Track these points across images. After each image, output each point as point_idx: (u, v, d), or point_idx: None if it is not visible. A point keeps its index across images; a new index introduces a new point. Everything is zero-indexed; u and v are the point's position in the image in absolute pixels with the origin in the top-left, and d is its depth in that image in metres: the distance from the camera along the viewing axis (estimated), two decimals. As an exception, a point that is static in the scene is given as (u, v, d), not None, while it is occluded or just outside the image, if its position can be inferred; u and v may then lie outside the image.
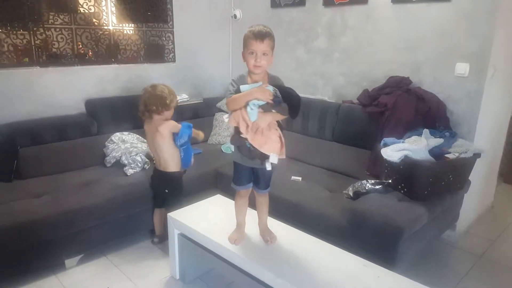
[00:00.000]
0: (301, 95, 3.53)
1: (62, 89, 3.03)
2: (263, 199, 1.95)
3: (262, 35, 1.65)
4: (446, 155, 2.25)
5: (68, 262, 2.40)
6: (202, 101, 3.77)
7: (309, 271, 1.75)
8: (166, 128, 2.44)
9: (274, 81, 1.75)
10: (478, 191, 2.93)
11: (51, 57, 2.96)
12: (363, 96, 2.85)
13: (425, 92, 2.61)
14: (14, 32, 2.75)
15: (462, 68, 2.54)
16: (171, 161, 2.50)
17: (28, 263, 2.22)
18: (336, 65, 3.28)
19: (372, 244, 2.08)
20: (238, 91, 1.71)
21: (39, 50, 2.89)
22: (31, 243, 2.19)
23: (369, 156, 2.71)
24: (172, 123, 2.47)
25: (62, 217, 2.26)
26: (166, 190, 2.53)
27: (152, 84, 2.52)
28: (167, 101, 2.44)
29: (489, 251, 2.74)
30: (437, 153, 2.26)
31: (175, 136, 2.50)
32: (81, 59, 3.12)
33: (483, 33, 2.46)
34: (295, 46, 3.56)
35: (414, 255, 2.26)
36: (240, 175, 1.88)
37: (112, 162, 2.88)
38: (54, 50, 2.96)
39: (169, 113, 2.49)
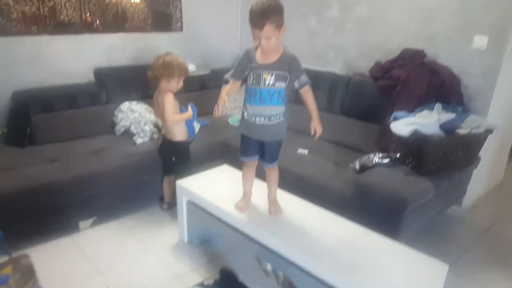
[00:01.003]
0: (311, 67, 3.50)
1: (71, 58, 3.03)
2: (270, 173, 1.97)
3: (261, 22, 1.56)
4: (457, 131, 2.22)
5: (81, 224, 2.49)
6: (209, 72, 3.73)
7: (312, 237, 1.79)
8: (164, 102, 2.38)
9: (284, 61, 1.70)
10: (488, 168, 2.91)
11: (59, 25, 2.93)
12: (375, 69, 2.80)
13: (439, 66, 2.54)
14: (23, -1, 2.72)
15: (480, 41, 2.46)
16: (177, 131, 2.51)
17: (43, 225, 2.32)
18: (348, 36, 3.20)
19: (377, 216, 2.09)
20: (236, 75, 1.81)
21: (47, 18, 2.86)
22: (45, 206, 2.27)
23: (378, 130, 2.69)
24: (168, 101, 2.38)
25: (74, 182, 2.33)
26: (173, 158, 2.56)
27: (167, 52, 2.49)
28: (155, 72, 2.38)
29: (494, 227, 2.75)
30: (448, 128, 2.22)
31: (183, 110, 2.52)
32: (89, 27, 3.09)
33: (503, 4, 2.36)
34: (307, 16, 3.47)
35: (418, 228, 2.28)
36: (246, 146, 1.90)
37: (122, 131, 2.92)
38: (62, 18, 2.93)
39: (171, 83, 2.40)
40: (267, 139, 1.85)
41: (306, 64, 3.35)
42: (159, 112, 2.48)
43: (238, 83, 1.84)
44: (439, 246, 2.44)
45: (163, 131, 2.63)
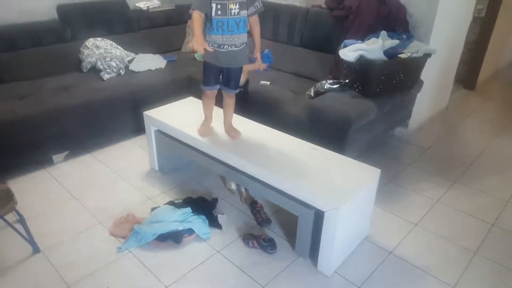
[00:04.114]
0: (272, 0, 3.52)
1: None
2: (230, 100, 2.12)
3: None
4: (399, 55, 2.43)
5: (55, 157, 2.65)
6: (174, 7, 3.73)
7: (267, 153, 2.04)
8: None
9: None
10: (432, 92, 3.19)
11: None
12: (330, 0, 2.91)
13: (387, -5, 2.69)
14: None
15: (423, -31, 2.60)
16: None
17: (18, 159, 2.46)
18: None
19: (327, 134, 2.34)
20: (201, 5, 1.76)
21: None
22: (18, 140, 2.40)
23: (333, 59, 2.87)
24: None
25: (44, 116, 2.46)
26: None
27: None
28: None
29: (435, 146, 3.09)
30: (392, 54, 2.43)
31: None
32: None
33: None
34: None
35: (365, 146, 2.57)
36: (209, 76, 2.00)
37: (88, 67, 2.99)
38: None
39: None
40: (234, 65, 1.97)
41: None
42: None
43: (203, 15, 1.82)
44: (384, 162, 2.77)
45: None
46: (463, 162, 2.86)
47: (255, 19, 1.92)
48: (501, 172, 2.75)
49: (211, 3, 1.77)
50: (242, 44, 1.91)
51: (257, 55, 2.01)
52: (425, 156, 2.94)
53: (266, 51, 2.45)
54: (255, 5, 1.86)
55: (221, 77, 2.04)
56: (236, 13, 1.80)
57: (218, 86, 2.06)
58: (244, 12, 1.83)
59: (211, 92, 2.08)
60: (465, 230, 2.16)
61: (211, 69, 1.98)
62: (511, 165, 2.84)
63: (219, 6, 1.77)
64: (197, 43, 1.76)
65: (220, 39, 1.85)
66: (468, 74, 4.13)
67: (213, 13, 1.78)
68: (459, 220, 2.24)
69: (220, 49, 1.88)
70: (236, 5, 1.79)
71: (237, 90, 2.09)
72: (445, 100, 3.65)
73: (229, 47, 1.88)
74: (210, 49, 1.82)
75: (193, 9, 1.79)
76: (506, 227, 2.20)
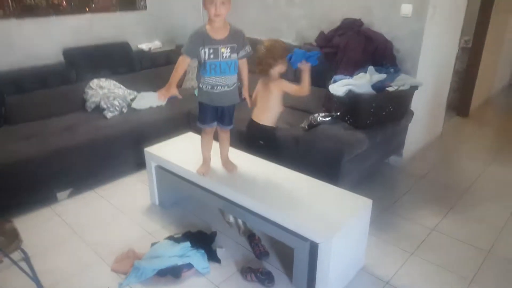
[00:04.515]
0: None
1: (40, 40, 3.18)
2: (225, 135, 2.23)
3: None
4: (387, 89, 2.55)
5: (59, 195, 2.73)
6: (175, 48, 3.93)
7: (262, 186, 2.12)
8: (276, 87, 2.40)
9: (234, 35, 1.94)
10: (424, 121, 3.28)
11: (26, 8, 3.04)
12: (320, 38, 3.07)
13: (374, 33, 2.84)
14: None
15: (407, 9, 2.78)
16: (267, 115, 2.47)
17: (23, 198, 2.53)
18: (298, 8, 3.46)
19: (320, 166, 2.42)
20: (190, 51, 1.91)
21: (14, 1, 2.97)
22: (24, 179, 2.49)
23: (325, 93, 2.99)
24: (283, 84, 2.41)
25: (49, 155, 2.56)
26: (261, 141, 2.50)
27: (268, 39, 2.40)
28: (259, 59, 2.34)
29: (429, 174, 3.14)
30: (380, 87, 2.55)
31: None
32: (55, 9, 3.21)
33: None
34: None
35: (360, 176, 2.64)
36: (206, 114, 2.12)
37: (92, 107, 3.13)
38: (28, 1, 3.04)
39: (278, 68, 2.36)
40: (228, 103, 2.08)
41: (263, 36, 3.63)
42: (262, 93, 2.45)
43: (189, 60, 1.97)
44: (380, 191, 2.82)
45: (252, 114, 2.51)
46: (458, 189, 2.90)
47: (243, 62, 2.07)
48: (495, 198, 2.79)
49: (202, 49, 1.90)
50: (234, 84, 2.05)
51: (246, 94, 2.17)
52: (420, 184, 2.99)
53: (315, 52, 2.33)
54: (245, 49, 2.02)
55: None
56: (227, 56, 1.94)
57: (215, 123, 2.16)
58: (234, 56, 1.97)
59: (210, 129, 2.18)
60: (461, 258, 2.19)
61: (206, 108, 2.10)
62: (505, 191, 2.89)
63: (211, 51, 1.91)
64: (166, 89, 2.00)
65: (214, 81, 1.98)
66: (460, 102, 4.24)
67: (206, 57, 1.92)
68: (455, 248, 2.27)
69: (213, 90, 2.01)
70: (227, 49, 1.93)
71: (232, 126, 2.19)
72: (439, 128, 3.74)
73: (222, 88, 2.01)
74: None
75: (181, 53, 1.92)
76: (501, 254, 2.22)
